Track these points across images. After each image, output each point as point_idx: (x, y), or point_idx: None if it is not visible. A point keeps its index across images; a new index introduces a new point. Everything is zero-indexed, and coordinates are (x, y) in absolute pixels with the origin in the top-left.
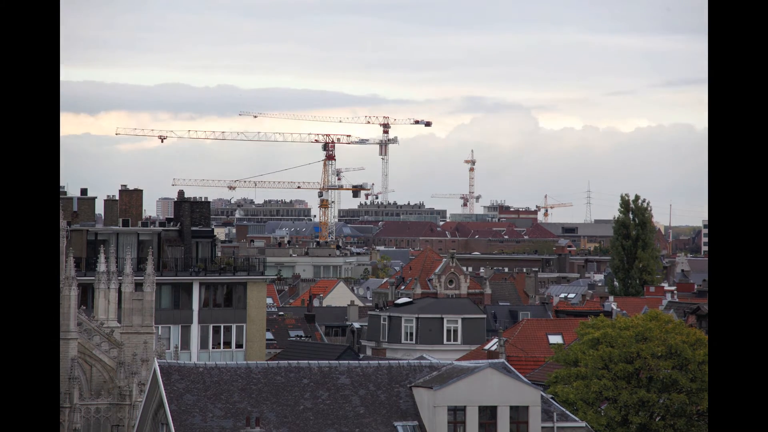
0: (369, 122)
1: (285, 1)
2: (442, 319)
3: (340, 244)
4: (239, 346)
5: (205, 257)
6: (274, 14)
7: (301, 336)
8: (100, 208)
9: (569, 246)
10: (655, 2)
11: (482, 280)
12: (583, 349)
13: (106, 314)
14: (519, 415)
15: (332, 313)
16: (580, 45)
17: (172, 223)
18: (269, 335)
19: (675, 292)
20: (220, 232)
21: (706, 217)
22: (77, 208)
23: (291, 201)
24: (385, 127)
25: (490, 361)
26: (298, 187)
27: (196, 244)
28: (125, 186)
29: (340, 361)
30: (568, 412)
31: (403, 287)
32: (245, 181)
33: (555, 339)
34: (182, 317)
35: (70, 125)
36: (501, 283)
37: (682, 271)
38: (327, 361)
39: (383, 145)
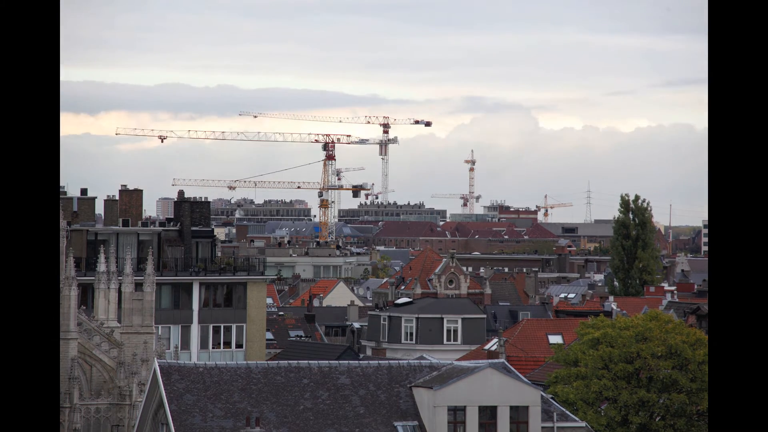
0: (369, 122)
1: (285, 1)
2: (442, 319)
3: (340, 244)
4: (239, 346)
5: (205, 257)
6: (274, 14)
7: (301, 336)
8: (100, 208)
9: (569, 246)
10: (655, 2)
11: (482, 280)
12: (583, 349)
13: (106, 314)
14: (519, 415)
15: (332, 313)
16: (580, 45)
17: (172, 223)
18: (269, 335)
19: (675, 292)
20: (220, 232)
21: (706, 217)
22: (77, 208)
23: (291, 201)
24: (385, 127)
25: (490, 361)
26: (298, 187)
27: (196, 244)
28: (125, 186)
29: (340, 361)
30: (568, 412)
31: (403, 287)
32: (245, 181)
33: (555, 339)
34: (182, 317)
35: (70, 125)
36: (501, 283)
37: (682, 271)
38: (327, 361)
39: (383, 145)
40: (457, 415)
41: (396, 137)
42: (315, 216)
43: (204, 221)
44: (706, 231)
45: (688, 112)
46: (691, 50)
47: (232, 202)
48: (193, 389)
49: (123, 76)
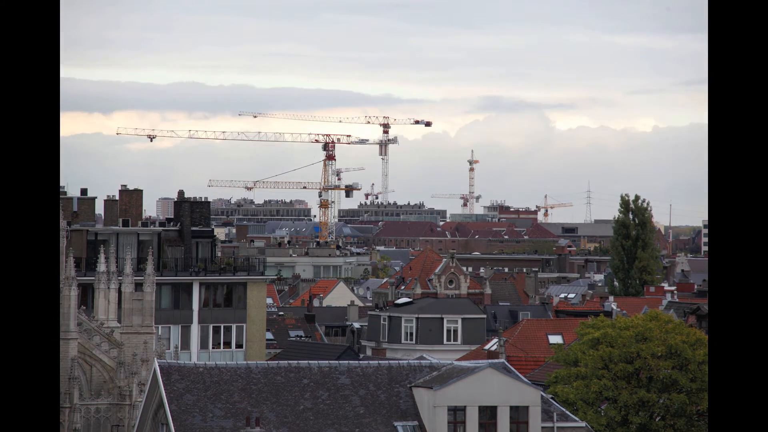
0: (369, 122)
1: (285, 1)
2: (442, 319)
3: (340, 244)
4: (239, 346)
5: (205, 257)
6: (274, 14)
7: (301, 336)
8: (100, 208)
9: (569, 246)
10: (655, 2)
11: (482, 280)
12: (583, 349)
13: (106, 314)
14: (519, 415)
15: (332, 313)
16: (580, 45)
17: (172, 223)
18: (269, 335)
19: (675, 292)
20: (220, 232)
21: (706, 217)
22: (77, 208)
23: (291, 201)
24: (385, 127)
25: (490, 361)
26: (304, 188)
27: (196, 244)
28: (125, 186)
29: (340, 361)
30: (568, 412)
31: (403, 287)
32: (264, 182)
33: (555, 339)
34: (182, 317)
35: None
36: (501, 283)
37: (682, 271)
38: (327, 361)
39: (383, 145)
40: (457, 415)
41: (396, 137)
42: (315, 216)
43: (204, 221)
44: (706, 231)
45: (689, 112)
46: (691, 50)
47: (232, 202)
48: (193, 389)
49: (127, 75)
